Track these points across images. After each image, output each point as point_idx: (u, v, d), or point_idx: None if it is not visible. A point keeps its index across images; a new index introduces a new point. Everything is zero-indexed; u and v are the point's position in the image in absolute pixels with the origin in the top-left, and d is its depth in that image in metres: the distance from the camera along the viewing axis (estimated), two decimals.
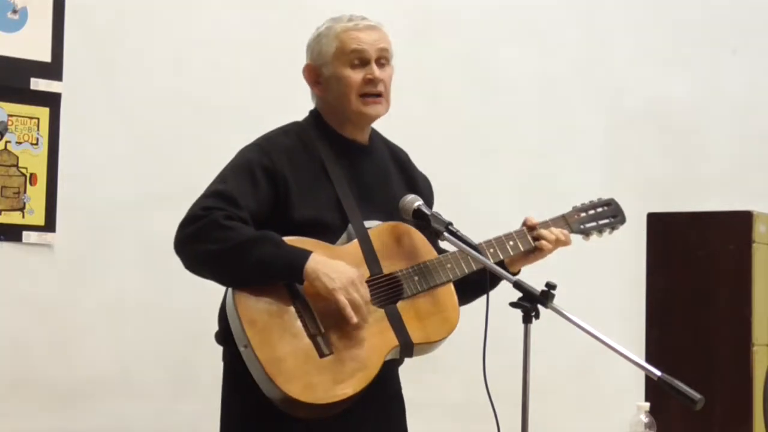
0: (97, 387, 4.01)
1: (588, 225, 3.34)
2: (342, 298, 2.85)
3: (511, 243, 3.17)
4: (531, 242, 3.19)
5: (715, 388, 3.90)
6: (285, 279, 2.89)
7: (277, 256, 2.87)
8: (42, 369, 3.93)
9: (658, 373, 2.65)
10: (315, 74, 3.10)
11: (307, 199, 2.99)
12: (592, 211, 3.36)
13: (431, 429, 4.65)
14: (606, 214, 3.38)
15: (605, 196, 3.45)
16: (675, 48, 5.62)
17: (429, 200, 3.25)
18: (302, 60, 3.15)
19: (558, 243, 3.21)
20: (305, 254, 2.87)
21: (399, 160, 3.25)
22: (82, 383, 3.98)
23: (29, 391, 3.90)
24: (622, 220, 3.41)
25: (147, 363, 4.11)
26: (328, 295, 2.85)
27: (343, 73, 3.05)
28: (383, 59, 3.09)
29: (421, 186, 3.24)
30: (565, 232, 3.24)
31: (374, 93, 3.07)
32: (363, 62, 3.06)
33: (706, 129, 5.68)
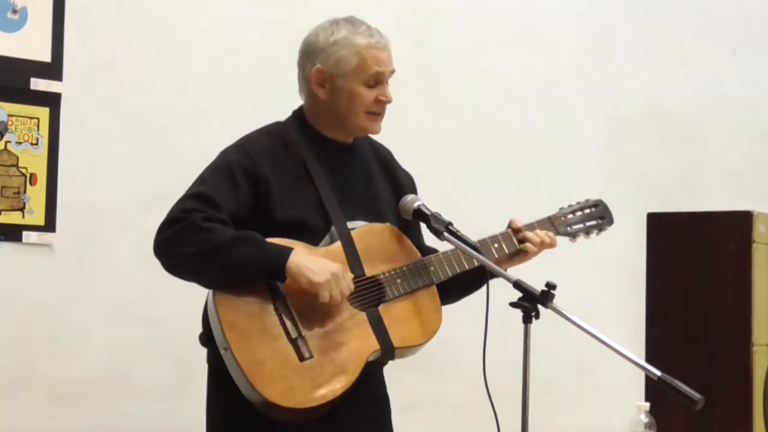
0: (97, 387, 4.01)
1: (575, 227, 3.31)
2: (325, 293, 2.84)
3: (495, 245, 3.15)
4: (516, 244, 3.17)
5: (715, 388, 3.90)
6: (267, 278, 2.88)
7: (258, 256, 2.85)
8: (42, 369, 3.93)
9: (658, 373, 2.65)
10: (323, 79, 3.07)
11: (288, 201, 2.97)
12: (579, 213, 3.33)
13: (431, 429, 4.66)
14: (594, 216, 3.35)
15: (594, 197, 3.43)
16: (675, 48, 5.62)
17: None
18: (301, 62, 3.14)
19: (543, 246, 3.19)
20: (286, 251, 2.86)
21: (382, 159, 3.23)
22: (82, 383, 3.98)
23: (29, 391, 3.90)
24: (610, 222, 3.38)
25: (147, 363, 4.11)
26: (312, 288, 2.84)
27: (358, 91, 3.03)
28: (390, 76, 3.10)
29: (404, 184, 3.22)
30: (551, 234, 3.22)
31: (381, 112, 3.08)
32: (378, 83, 3.06)
33: (706, 129, 5.68)
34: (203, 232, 2.85)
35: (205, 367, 3.06)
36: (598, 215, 3.36)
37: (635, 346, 4.12)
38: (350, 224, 3.02)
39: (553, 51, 5.29)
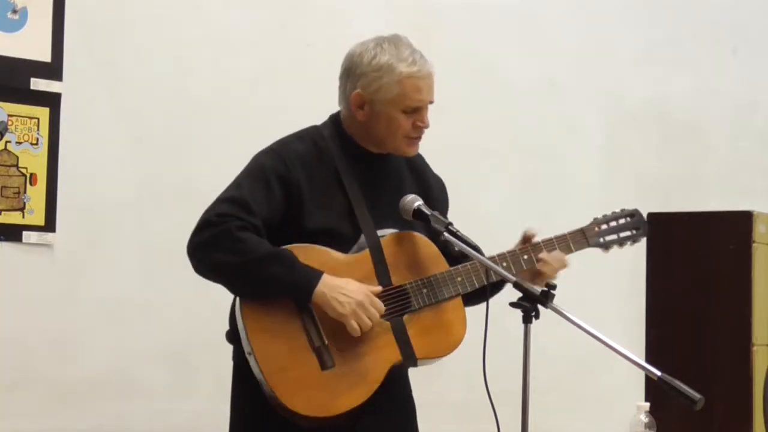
0: (97, 387, 4.01)
1: (608, 238, 3.25)
2: (353, 324, 2.86)
3: (504, 264, 3.10)
4: (523, 264, 3.10)
5: (715, 388, 3.89)
6: (293, 298, 2.89)
7: (286, 277, 2.86)
8: (42, 369, 3.93)
9: (658, 373, 2.65)
10: (363, 102, 3.05)
11: (320, 208, 2.98)
12: (613, 223, 3.27)
13: (431, 429, 4.65)
14: (628, 226, 3.28)
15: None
16: (675, 48, 5.62)
17: (443, 204, 3.23)
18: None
19: (560, 269, 3.15)
20: (315, 277, 2.87)
21: (413, 165, 3.22)
22: (82, 383, 3.98)
23: (29, 391, 3.90)
24: (645, 233, 3.31)
25: (147, 363, 4.11)
26: (339, 319, 2.86)
27: (396, 117, 3.03)
28: (430, 103, 3.11)
29: (434, 190, 3.22)
30: (561, 258, 3.15)
31: (419, 136, 3.08)
32: (417, 111, 3.06)
33: (706, 129, 5.68)
34: (237, 242, 2.85)
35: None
36: (633, 226, 3.30)
37: (635, 346, 4.11)
38: (379, 232, 3.02)
39: (554, 51, 5.29)
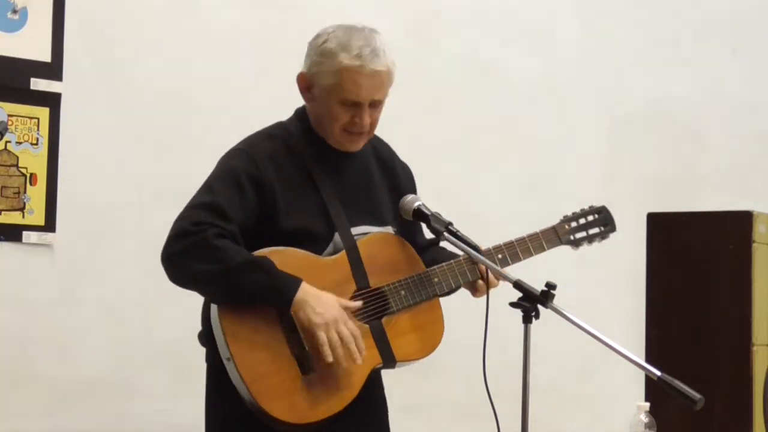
0: (97, 387, 4.01)
1: (578, 235, 3.23)
2: (322, 335, 2.82)
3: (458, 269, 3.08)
4: (460, 279, 3.05)
5: (715, 388, 3.90)
6: (273, 305, 2.86)
7: (266, 285, 2.82)
8: (42, 369, 3.93)
9: (658, 373, 2.65)
10: (308, 83, 3.01)
11: (293, 208, 2.94)
12: (582, 220, 3.25)
13: (431, 429, 4.66)
14: (597, 223, 3.27)
15: (600, 202, 3.37)
16: (675, 48, 5.62)
17: (411, 192, 3.17)
18: (302, 61, 3.14)
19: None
20: (295, 284, 2.83)
21: (380, 157, 3.18)
22: (82, 383, 3.98)
23: (29, 391, 3.90)
24: (613, 229, 3.29)
25: (147, 363, 4.11)
26: (310, 328, 2.82)
27: (332, 108, 2.96)
28: (376, 103, 3.00)
29: (402, 179, 3.19)
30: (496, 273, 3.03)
31: (357, 132, 3.00)
32: (356, 105, 2.96)
33: (706, 129, 5.68)
34: (215, 251, 2.81)
35: (205, 367, 3.05)
36: (601, 222, 3.27)
37: (635, 346, 4.12)
38: (354, 229, 3.00)
39: (554, 51, 5.30)
